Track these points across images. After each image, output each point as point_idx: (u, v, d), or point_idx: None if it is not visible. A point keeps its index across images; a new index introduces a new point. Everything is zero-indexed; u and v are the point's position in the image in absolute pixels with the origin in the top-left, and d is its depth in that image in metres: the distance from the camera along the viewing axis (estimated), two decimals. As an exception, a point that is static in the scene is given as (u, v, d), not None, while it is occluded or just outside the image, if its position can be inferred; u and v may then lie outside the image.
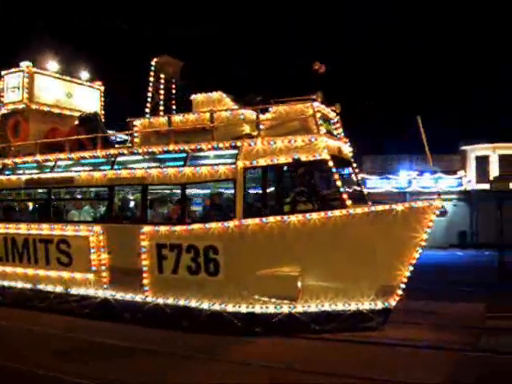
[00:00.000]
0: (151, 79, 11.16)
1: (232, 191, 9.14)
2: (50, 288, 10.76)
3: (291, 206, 8.86)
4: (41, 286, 10.90)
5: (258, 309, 8.72)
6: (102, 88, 13.52)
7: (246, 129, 9.50)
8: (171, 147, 9.68)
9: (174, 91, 11.45)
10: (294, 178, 9.03)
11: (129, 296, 9.73)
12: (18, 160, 11.74)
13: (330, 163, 8.60)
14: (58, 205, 11.59)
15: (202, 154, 9.49)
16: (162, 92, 11.07)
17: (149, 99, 11.08)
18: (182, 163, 9.51)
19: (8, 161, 11.90)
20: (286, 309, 8.68)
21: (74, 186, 10.82)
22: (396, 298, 8.60)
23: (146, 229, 9.47)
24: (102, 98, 13.52)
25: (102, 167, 10.44)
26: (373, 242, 8.37)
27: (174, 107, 11.45)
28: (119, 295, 9.85)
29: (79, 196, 12.18)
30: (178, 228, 9.19)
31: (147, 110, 10.97)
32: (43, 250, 10.78)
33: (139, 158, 10.20)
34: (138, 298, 9.63)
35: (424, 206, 8.33)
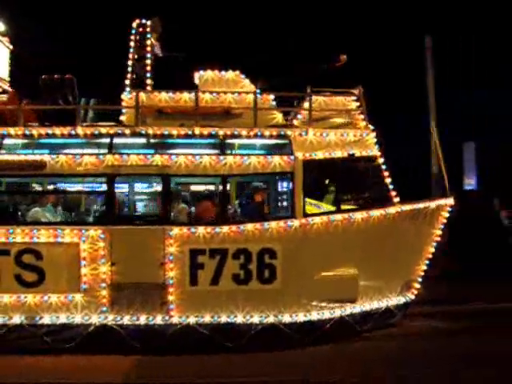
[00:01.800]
0: (132, 45, 8.89)
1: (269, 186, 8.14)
2: (-2, 320, 7.52)
3: (352, 202, 8.41)
4: (-20, 319, 7.52)
5: (314, 316, 7.96)
6: (11, 47, 10.08)
7: (279, 117, 8.53)
8: (197, 130, 7.95)
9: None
10: (347, 174, 8.54)
11: (143, 319, 7.58)
12: None
13: (381, 159, 8.47)
14: (7, 200, 8.18)
15: (240, 141, 8.10)
16: (148, 63, 8.87)
17: (129, 70, 8.79)
18: (218, 151, 7.93)
19: None
20: (338, 313, 8.17)
21: (44, 173, 7.74)
22: (415, 292, 9.02)
23: (176, 231, 7.56)
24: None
25: (92, 150, 7.87)
26: (407, 239, 8.62)
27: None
28: (126, 319, 7.58)
29: (51, 187, 8.79)
30: (224, 229, 7.62)
31: (127, 83, 8.69)
32: (-11, 265, 7.47)
33: (143, 140, 8.06)
34: (159, 319, 7.61)
35: (444, 204, 8.98)
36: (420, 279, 8.94)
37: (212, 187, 9.58)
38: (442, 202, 8.86)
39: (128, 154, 7.76)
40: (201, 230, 7.61)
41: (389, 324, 8.76)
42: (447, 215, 8.92)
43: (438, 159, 9.14)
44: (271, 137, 8.09)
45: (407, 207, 8.51)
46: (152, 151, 7.91)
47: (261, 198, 8.43)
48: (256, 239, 7.66)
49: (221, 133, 7.99)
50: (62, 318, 7.55)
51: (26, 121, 8.00)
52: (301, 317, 7.84)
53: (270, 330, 7.76)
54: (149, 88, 8.58)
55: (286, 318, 7.79)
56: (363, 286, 8.20)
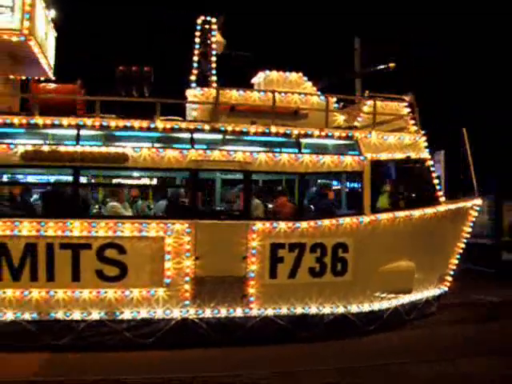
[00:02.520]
0: (197, 42, 8.92)
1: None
2: (76, 316, 7.30)
3: (404, 200, 9.04)
4: (58, 315, 7.25)
5: (376, 306, 8.55)
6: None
7: (340, 119, 9.00)
8: (273, 128, 8.20)
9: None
10: (404, 174, 9.18)
11: (223, 312, 7.73)
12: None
13: (430, 162, 9.22)
14: (86, 194, 7.87)
15: (312, 141, 8.44)
16: (213, 60, 8.91)
17: (194, 66, 8.81)
18: (294, 149, 8.23)
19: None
20: (394, 303, 8.82)
21: (126, 167, 7.58)
22: (447, 284, 9.92)
23: (259, 226, 7.78)
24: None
25: (171, 144, 7.85)
26: (447, 235, 9.49)
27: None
28: (208, 313, 7.68)
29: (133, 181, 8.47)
30: (303, 224, 7.95)
31: (193, 79, 8.72)
32: (69, 260, 7.23)
33: (221, 137, 8.16)
34: (239, 312, 7.79)
35: (473, 204, 9.95)
36: (451, 272, 9.82)
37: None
38: (474, 201, 9.78)
39: (211, 150, 7.84)
40: (282, 225, 7.89)
41: (428, 313, 9.53)
42: (476, 214, 9.88)
43: (467, 163, 10.03)
44: (339, 137, 8.52)
45: (452, 206, 9.33)
46: (231, 147, 8.03)
47: (333, 196, 8.85)
48: (331, 234, 8.08)
49: (295, 132, 8.30)
50: (143, 313, 7.49)
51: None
52: (366, 307, 8.39)
53: (339, 320, 8.22)
54: (214, 85, 8.68)
55: (354, 308, 8.29)
56: (415, 279, 8.90)
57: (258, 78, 9.18)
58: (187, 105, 8.71)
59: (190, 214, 7.68)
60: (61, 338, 7.27)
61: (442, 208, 9.10)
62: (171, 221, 7.55)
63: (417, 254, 8.79)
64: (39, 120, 7.45)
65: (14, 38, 7.47)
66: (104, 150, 7.51)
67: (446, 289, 9.81)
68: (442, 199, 9.27)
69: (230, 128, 8.06)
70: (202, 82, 8.76)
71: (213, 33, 8.91)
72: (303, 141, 8.34)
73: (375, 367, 7.05)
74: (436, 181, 9.26)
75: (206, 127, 7.98)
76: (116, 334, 7.44)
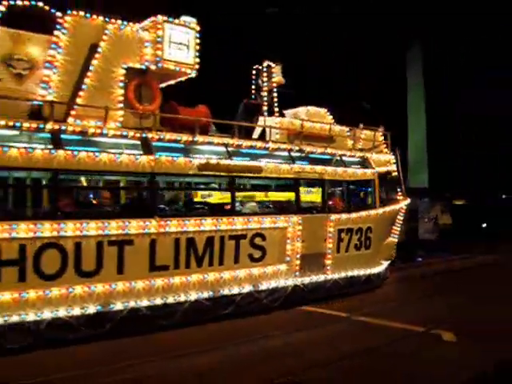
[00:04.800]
0: (260, 82, 11.86)
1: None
2: (235, 290, 9.65)
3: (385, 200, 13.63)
4: (225, 291, 9.48)
5: (381, 268, 13.01)
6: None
7: (349, 143, 13.14)
8: (330, 150, 11.85)
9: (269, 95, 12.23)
10: (385, 181, 13.69)
11: (314, 278, 11.07)
12: (176, 136, 9.11)
13: (395, 172, 14.12)
14: (234, 196, 9.87)
15: (342, 158, 12.26)
16: (275, 95, 11.90)
17: (265, 100, 11.76)
18: (341, 165, 11.99)
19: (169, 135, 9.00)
20: (382, 268, 13.41)
21: (261, 176, 10.10)
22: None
23: (334, 217, 11.37)
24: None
25: (276, 160, 10.71)
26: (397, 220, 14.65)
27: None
28: (307, 279, 10.91)
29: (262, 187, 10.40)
30: (353, 215, 11.83)
31: (264, 109, 11.71)
32: (233, 247, 9.56)
33: (301, 154, 11.35)
34: (321, 277, 11.23)
35: (405, 203, 15.37)
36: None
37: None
38: (406, 202, 15.04)
39: (304, 164, 11.06)
40: (344, 216, 11.61)
41: (388, 276, 14.36)
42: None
43: (398, 171, 15.25)
44: (359, 157, 12.66)
45: (405, 202, 14.30)
46: (307, 162, 11.33)
47: (363, 196, 12.85)
48: (365, 221, 12.14)
49: (340, 152, 12.10)
50: (273, 284, 10.27)
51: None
52: (377, 269, 12.73)
53: (367, 279, 12.37)
54: (276, 114, 11.84)
55: (373, 271, 12.55)
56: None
57: (302, 110, 12.47)
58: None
59: (299, 210, 10.76)
60: (226, 309, 9.52)
61: (403, 203, 14.05)
62: (291, 215, 10.53)
63: (391, 233, 13.55)
64: (200, 138, 9.53)
65: (188, 71, 9.36)
66: (247, 163, 10.02)
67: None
68: (401, 197, 14.23)
69: (308, 149, 11.36)
70: (269, 112, 11.81)
71: (273, 74, 12.01)
72: (335, 158, 12.13)
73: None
74: (401, 186, 14.17)
75: (296, 148, 11.13)
76: (258, 301, 10.04)
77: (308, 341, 8.33)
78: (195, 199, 11.10)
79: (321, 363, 7.11)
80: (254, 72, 12.22)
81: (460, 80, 44.89)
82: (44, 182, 8.80)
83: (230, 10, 25.21)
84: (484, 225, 31.69)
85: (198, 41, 9.55)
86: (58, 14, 8.68)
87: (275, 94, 12.00)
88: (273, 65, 12.06)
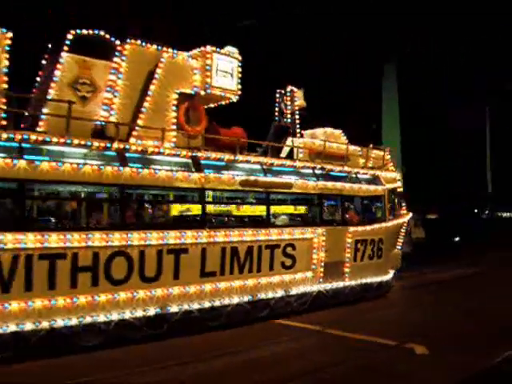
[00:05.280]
0: (287, 104, 12.92)
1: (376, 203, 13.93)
2: (270, 295, 10.60)
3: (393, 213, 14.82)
4: (261, 295, 10.42)
5: (388, 276, 14.13)
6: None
7: (360, 162, 14.29)
8: (346, 168, 12.97)
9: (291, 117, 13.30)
10: (393, 196, 14.87)
11: (335, 284, 12.10)
12: (220, 155, 10.08)
13: (401, 189, 15.34)
14: (269, 209, 10.81)
15: (357, 176, 13.39)
16: (297, 117, 12.97)
17: (288, 121, 12.85)
18: (357, 182, 13.11)
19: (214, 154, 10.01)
20: (389, 276, 14.55)
21: (291, 191, 11.12)
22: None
23: (352, 229, 12.45)
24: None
25: (306, 177, 11.74)
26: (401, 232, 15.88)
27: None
28: (329, 286, 11.93)
29: (292, 201, 11.31)
30: (367, 227, 12.93)
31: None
32: (268, 256, 10.51)
33: (323, 172, 12.43)
34: (341, 284, 12.27)
35: (408, 217, 16.65)
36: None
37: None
38: (409, 216, 16.27)
39: (327, 180, 12.12)
40: (360, 228, 12.70)
41: (393, 284, 15.54)
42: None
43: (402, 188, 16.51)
44: (371, 175, 13.81)
45: (408, 217, 15.54)
46: (326, 179, 12.38)
47: (374, 210, 13.96)
48: (377, 233, 13.27)
49: (355, 170, 13.22)
50: (301, 289, 11.25)
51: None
52: (386, 277, 13.86)
53: (379, 286, 13.47)
54: (298, 135, 12.92)
55: (383, 278, 13.66)
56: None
57: (319, 131, 13.56)
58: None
59: (322, 223, 11.80)
60: (262, 312, 10.45)
61: (406, 218, 15.26)
62: (316, 227, 11.56)
63: (396, 245, 14.73)
64: (240, 157, 10.49)
65: (232, 97, 10.35)
66: (280, 180, 11.03)
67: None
68: (404, 212, 15.43)
69: (328, 167, 12.45)
70: (293, 133, 12.87)
71: (296, 98, 13.09)
72: (350, 176, 13.24)
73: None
74: (403, 200, 15.40)
75: (318, 166, 12.19)
76: (289, 305, 11.00)
77: (281, 353, 8.32)
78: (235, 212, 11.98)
79: (292, 377, 7.16)
80: (277, 95, 13.27)
81: (434, 97, 47.23)
82: (103, 196, 9.62)
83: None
84: (457, 238, 33.21)
85: (239, 69, 10.56)
86: (117, 42, 9.57)
87: (297, 117, 13.07)
88: (295, 89, 13.14)
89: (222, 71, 10.17)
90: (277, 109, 13.23)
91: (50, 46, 9.66)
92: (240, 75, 10.60)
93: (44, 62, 9.67)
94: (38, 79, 9.67)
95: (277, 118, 13.23)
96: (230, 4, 31.74)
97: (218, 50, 10.25)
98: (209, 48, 10.14)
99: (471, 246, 28.65)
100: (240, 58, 10.62)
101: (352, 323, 10.36)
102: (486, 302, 12.81)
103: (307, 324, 10.21)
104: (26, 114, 9.01)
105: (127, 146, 8.95)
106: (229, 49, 10.46)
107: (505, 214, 68.78)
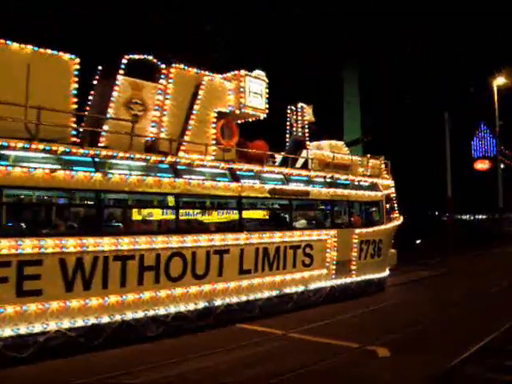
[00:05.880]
0: (293, 119, 14.36)
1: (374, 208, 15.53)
2: (293, 290, 11.96)
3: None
4: (286, 290, 11.77)
5: (386, 274, 15.75)
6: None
7: (360, 170, 15.87)
8: (350, 176, 14.51)
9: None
10: (387, 201, 16.49)
11: (343, 280, 13.59)
12: (251, 166, 11.39)
13: (394, 194, 17.03)
14: (291, 214, 12.14)
15: (360, 183, 14.96)
16: (307, 131, 14.40)
17: (287, 135, 14.36)
18: (361, 189, 14.67)
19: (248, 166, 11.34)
20: (386, 273, 16.18)
21: (309, 198, 12.52)
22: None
23: (357, 231, 13.98)
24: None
25: (320, 185, 13.19)
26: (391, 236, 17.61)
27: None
28: (339, 281, 13.41)
29: (310, 207, 12.65)
30: (370, 229, 14.51)
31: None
32: (292, 255, 11.89)
33: (329, 180, 13.92)
34: (348, 280, 13.78)
35: (400, 221, 18.41)
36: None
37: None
38: (401, 220, 17.98)
39: (336, 188, 13.61)
40: (364, 230, 14.25)
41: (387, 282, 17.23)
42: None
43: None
44: (371, 182, 15.40)
45: (400, 220, 17.22)
46: (342, 187, 13.89)
47: (373, 213, 15.52)
48: (378, 234, 14.86)
49: (357, 178, 14.78)
50: (319, 284, 12.67)
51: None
52: (384, 274, 15.47)
53: (378, 283, 15.06)
54: (309, 147, 14.38)
55: (382, 275, 15.27)
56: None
57: (324, 143, 15.05)
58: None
59: (333, 225, 13.27)
60: (287, 304, 11.82)
61: (399, 221, 16.95)
62: (331, 229, 13.01)
63: (391, 245, 16.40)
64: (266, 168, 11.84)
65: (261, 115, 11.69)
66: (300, 188, 12.43)
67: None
68: (397, 216, 17.12)
69: (336, 175, 13.94)
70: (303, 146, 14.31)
71: (305, 114, 14.54)
72: (353, 183, 14.78)
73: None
74: (396, 205, 17.08)
75: (329, 174, 13.67)
76: (308, 298, 12.40)
77: (240, 359, 8.14)
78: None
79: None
80: (288, 111, 14.65)
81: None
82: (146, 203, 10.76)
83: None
84: (418, 241, 34.58)
85: (267, 90, 11.91)
86: (163, 65, 10.74)
87: (307, 130, 14.51)
88: (305, 106, 14.59)
89: (254, 92, 11.49)
90: (288, 123, 14.63)
91: (100, 68, 10.70)
92: (267, 95, 11.96)
93: (96, 82, 10.70)
94: (91, 98, 10.68)
95: (289, 132, 14.63)
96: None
97: (249, 73, 11.56)
98: (242, 72, 11.46)
99: (431, 248, 29.48)
100: (267, 80, 11.97)
101: (311, 328, 10.14)
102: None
103: (267, 328, 10.14)
104: (81, 129, 10.01)
105: (177, 160, 10.13)
106: (258, 72, 11.79)
107: (464, 217, 72.57)
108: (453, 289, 15.67)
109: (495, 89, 38.55)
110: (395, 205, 16.86)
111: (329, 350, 8.63)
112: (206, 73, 11.17)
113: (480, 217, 73.28)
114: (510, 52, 49.01)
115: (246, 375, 7.43)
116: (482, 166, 61.82)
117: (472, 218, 74.38)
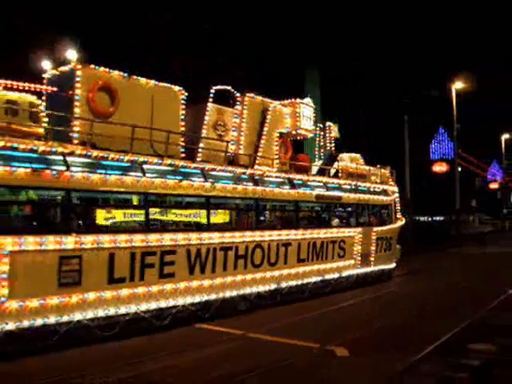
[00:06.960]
0: (321, 136, 17.20)
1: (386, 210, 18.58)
2: (331, 276, 14.79)
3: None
4: (327, 276, 14.59)
5: (393, 265, 18.82)
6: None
7: (372, 178, 18.86)
8: (368, 184, 17.46)
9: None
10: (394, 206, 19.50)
11: (365, 269, 16.54)
12: (302, 176, 14.10)
13: (398, 199, 20.11)
14: (329, 215, 14.91)
15: (375, 189, 17.95)
16: (332, 145, 17.23)
17: (316, 149, 17.23)
18: (373, 193, 17.66)
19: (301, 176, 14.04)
20: (393, 266, 19.27)
21: (341, 202, 15.36)
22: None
23: (376, 229, 16.96)
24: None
25: (348, 192, 16.06)
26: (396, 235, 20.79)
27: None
28: (362, 270, 16.35)
29: (343, 209, 15.42)
30: (384, 228, 17.53)
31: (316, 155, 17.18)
32: (331, 248, 14.71)
33: (353, 187, 16.83)
34: (369, 269, 16.74)
35: (402, 223, 21.63)
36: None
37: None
38: (404, 221, 21.08)
39: (359, 193, 16.53)
40: (380, 228, 17.24)
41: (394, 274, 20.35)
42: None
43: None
44: (381, 189, 18.42)
45: (403, 221, 20.32)
46: (362, 193, 16.81)
47: (384, 215, 18.51)
48: (389, 232, 17.90)
49: (373, 186, 17.75)
50: (349, 272, 15.56)
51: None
52: (392, 266, 18.53)
53: (388, 272, 18.10)
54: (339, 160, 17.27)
55: (391, 267, 18.33)
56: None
57: (345, 155, 17.91)
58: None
59: (358, 224, 16.20)
60: (327, 288, 14.62)
61: (401, 222, 20.05)
62: (358, 228, 15.92)
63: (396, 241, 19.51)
64: (311, 177, 14.61)
65: (310, 135, 14.44)
66: (336, 194, 15.26)
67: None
68: (400, 217, 20.21)
69: (358, 183, 16.86)
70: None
71: (332, 131, 17.41)
72: (369, 189, 17.74)
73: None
74: (398, 208, 20.17)
75: (352, 182, 16.56)
76: (341, 284, 15.26)
77: (194, 361, 8.05)
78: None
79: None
80: (317, 129, 17.42)
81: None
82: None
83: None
84: None
85: (314, 114, 14.68)
86: (238, 94, 13.29)
87: (333, 145, 17.38)
88: (332, 124, 17.46)
89: (306, 116, 14.22)
90: (317, 138, 17.39)
91: (187, 94, 13.11)
92: (315, 119, 14.72)
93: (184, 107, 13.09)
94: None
95: (317, 146, 17.41)
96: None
97: (302, 101, 14.29)
98: (298, 100, 14.18)
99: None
100: (314, 106, 14.74)
101: (271, 328, 10.18)
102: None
103: (226, 328, 10.22)
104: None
105: (254, 172, 12.73)
106: (308, 99, 14.53)
107: (422, 218, 76.83)
108: (418, 287, 16.53)
109: (454, 93, 39.27)
110: (398, 208, 19.97)
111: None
112: (269, 100, 13.80)
113: (438, 218, 76.02)
114: (467, 57, 52.88)
115: (207, 375, 7.32)
116: (439, 168, 63.13)
117: (430, 219, 76.75)
